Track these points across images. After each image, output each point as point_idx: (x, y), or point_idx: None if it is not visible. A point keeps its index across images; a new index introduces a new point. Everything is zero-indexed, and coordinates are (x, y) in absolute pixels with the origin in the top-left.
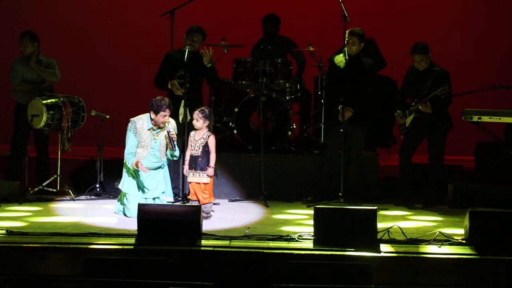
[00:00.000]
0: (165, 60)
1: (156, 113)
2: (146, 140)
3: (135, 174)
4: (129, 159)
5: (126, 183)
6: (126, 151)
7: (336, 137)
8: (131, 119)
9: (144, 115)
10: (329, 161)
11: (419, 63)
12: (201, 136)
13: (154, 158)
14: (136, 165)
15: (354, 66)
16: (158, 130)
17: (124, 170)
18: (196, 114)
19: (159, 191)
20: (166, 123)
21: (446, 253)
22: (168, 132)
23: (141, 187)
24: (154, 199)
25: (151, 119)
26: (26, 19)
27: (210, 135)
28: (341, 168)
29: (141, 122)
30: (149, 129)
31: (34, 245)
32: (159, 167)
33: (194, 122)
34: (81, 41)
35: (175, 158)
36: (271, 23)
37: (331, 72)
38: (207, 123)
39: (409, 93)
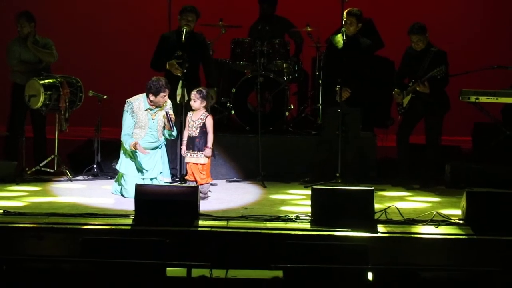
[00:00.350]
0: (160, 41)
1: (156, 95)
2: (143, 121)
3: (132, 155)
4: (127, 140)
5: (123, 164)
6: (123, 132)
7: (333, 118)
8: (127, 100)
9: (140, 95)
10: (327, 141)
11: (416, 44)
12: (199, 116)
13: (152, 138)
14: (135, 146)
15: (352, 47)
16: (156, 109)
17: (122, 151)
18: (194, 94)
19: (157, 171)
20: (164, 103)
21: (443, 233)
22: (166, 113)
23: (139, 168)
24: (151, 179)
25: (149, 100)
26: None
27: (207, 116)
28: (338, 148)
29: (138, 103)
30: (146, 110)
31: (31, 225)
32: (157, 147)
33: (192, 102)
34: (78, 21)
35: (172, 138)
36: (267, 3)
37: (329, 53)
38: (204, 103)
39: (406, 74)
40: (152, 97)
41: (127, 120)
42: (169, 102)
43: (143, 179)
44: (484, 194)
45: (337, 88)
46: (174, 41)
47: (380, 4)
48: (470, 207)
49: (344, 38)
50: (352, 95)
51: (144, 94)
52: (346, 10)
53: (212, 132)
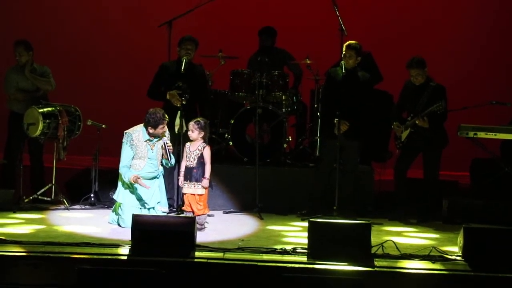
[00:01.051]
0: (160, 70)
1: (155, 127)
2: (143, 151)
3: (130, 186)
4: (125, 173)
5: (121, 194)
6: (121, 164)
7: (331, 150)
8: (125, 131)
9: (139, 126)
10: (324, 174)
11: (415, 78)
12: (196, 147)
13: (151, 168)
14: (135, 180)
15: (351, 80)
16: (155, 140)
17: (119, 181)
18: (192, 125)
19: (155, 201)
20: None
21: (440, 269)
22: (164, 144)
23: (138, 198)
24: (149, 209)
25: (148, 132)
26: (20, 27)
27: (205, 146)
28: (336, 181)
29: (137, 134)
30: (145, 141)
31: (28, 254)
32: (155, 177)
33: (190, 133)
34: (77, 49)
35: (170, 166)
36: (267, 35)
37: (327, 85)
38: (202, 134)
39: (405, 108)
40: (151, 130)
41: (126, 152)
42: (167, 132)
43: (141, 208)
44: (481, 230)
45: (335, 121)
46: (174, 71)
47: (379, 38)
48: (467, 243)
49: (343, 71)
50: (351, 128)
51: (142, 125)
52: (346, 43)
53: (209, 163)
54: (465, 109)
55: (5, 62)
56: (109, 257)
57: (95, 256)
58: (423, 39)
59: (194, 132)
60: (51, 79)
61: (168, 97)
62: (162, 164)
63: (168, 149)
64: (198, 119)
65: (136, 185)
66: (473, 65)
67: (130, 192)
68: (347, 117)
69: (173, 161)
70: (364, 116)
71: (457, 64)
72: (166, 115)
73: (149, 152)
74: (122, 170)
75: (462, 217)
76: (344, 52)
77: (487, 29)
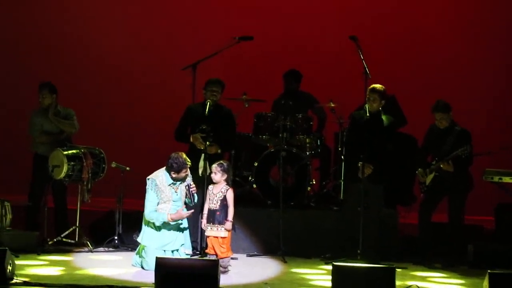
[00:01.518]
0: (186, 113)
1: (178, 172)
2: (167, 195)
3: (155, 228)
4: (157, 217)
5: (145, 236)
6: (147, 210)
7: (355, 194)
8: (148, 177)
9: (160, 171)
10: (349, 217)
11: (440, 122)
12: (219, 189)
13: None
14: (176, 217)
15: (375, 123)
16: (178, 183)
17: (144, 224)
18: (215, 167)
19: (179, 243)
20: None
21: None
22: (188, 185)
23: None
24: (173, 251)
25: (171, 176)
26: (44, 69)
27: (228, 189)
28: (360, 225)
29: (161, 179)
30: (169, 184)
31: None
32: (180, 224)
33: (212, 175)
34: (102, 91)
35: (193, 205)
36: (292, 78)
37: (351, 129)
38: (225, 176)
39: (430, 151)
40: (174, 175)
41: (151, 197)
42: (188, 173)
43: (165, 251)
44: (507, 275)
45: (359, 164)
46: (200, 113)
47: (403, 81)
48: None
49: (367, 114)
50: (375, 172)
51: (163, 169)
52: (370, 87)
53: (232, 205)
54: (490, 154)
55: (30, 104)
56: None
57: None
58: (447, 82)
59: (217, 174)
60: (74, 122)
61: (191, 140)
62: (185, 203)
63: (191, 191)
64: (221, 161)
65: (162, 225)
66: (499, 109)
67: (155, 232)
68: (371, 161)
69: (195, 199)
70: (388, 160)
71: (482, 108)
72: (188, 159)
73: (174, 195)
74: (151, 215)
75: (487, 262)
76: (368, 96)
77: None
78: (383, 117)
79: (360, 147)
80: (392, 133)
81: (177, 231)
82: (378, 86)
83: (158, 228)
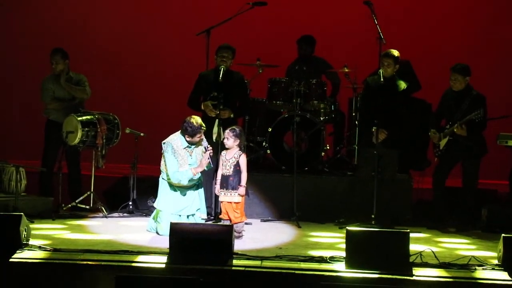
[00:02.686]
0: (198, 80)
1: (192, 136)
2: (183, 159)
3: (172, 191)
4: (182, 175)
5: (161, 201)
6: (171, 172)
7: (369, 159)
8: (164, 141)
9: (175, 135)
10: (362, 182)
11: (454, 82)
12: (232, 155)
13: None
14: (196, 171)
15: (389, 88)
16: (193, 146)
17: (161, 188)
18: (227, 133)
19: (195, 208)
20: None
21: (480, 278)
22: (206, 148)
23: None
24: (188, 216)
25: (186, 140)
26: (55, 36)
27: (241, 154)
28: (374, 190)
29: (176, 142)
30: (184, 148)
31: (66, 262)
32: (196, 184)
33: (225, 141)
34: (115, 58)
35: (209, 169)
36: (306, 44)
37: (365, 94)
38: (237, 142)
39: (444, 115)
40: (188, 138)
41: (171, 160)
42: (203, 138)
43: (180, 215)
44: None
45: (373, 130)
46: (212, 79)
47: (418, 46)
48: (507, 252)
49: (382, 79)
50: (389, 137)
51: (179, 133)
52: (384, 52)
53: (245, 171)
54: (504, 117)
55: (41, 71)
56: (147, 265)
57: (133, 264)
58: (463, 47)
59: (230, 140)
60: (86, 88)
61: (202, 107)
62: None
63: (209, 153)
64: (234, 127)
65: (178, 190)
66: None
67: (171, 198)
68: (385, 126)
69: (214, 164)
70: (403, 125)
71: (498, 72)
72: (203, 124)
73: (189, 158)
74: (176, 175)
75: (501, 226)
76: (382, 61)
77: None
78: (398, 82)
79: (374, 113)
80: (406, 98)
81: (193, 193)
82: (392, 51)
83: (174, 192)
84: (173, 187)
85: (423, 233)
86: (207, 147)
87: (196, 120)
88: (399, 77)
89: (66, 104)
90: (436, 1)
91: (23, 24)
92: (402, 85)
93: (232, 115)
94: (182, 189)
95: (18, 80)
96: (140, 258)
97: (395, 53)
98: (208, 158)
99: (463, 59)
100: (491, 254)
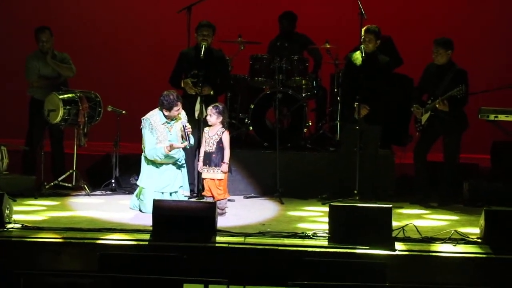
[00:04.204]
0: (180, 58)
1: (169, 109)
2: (162, 134)
3: (155, 167)
4: (156, 151)
5: (144, 178)
6: (148, 148)
7: (351, 134)
8: (143, 118)
9: (154, 111)
10: (345, 158)
11: (436, 55)
12: (215, 132)
13: (173, 150)
14: (170, 148)
15: (370, 64)
16: (172, 122)
17: (143, 166)
18: (210, 109)
19: (177, 185)
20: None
21: (461, 252)
22: (183, 126)
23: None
24: (171, 193)
25: (164, 115)
26: (37, 14)
27: (224, 131)
28: (356, 165)
29: (154, 118)
30: (163, 124)
31: (49, 240)
32: (177, 160)
33: (208, 117)
34: (96, 35)
35: (190, 147)
36: (287, 20)
37: (347, 70)
38: (220, 118)
39: (425, 90)
40: (166, 112)
41: (148, 137)
42: (183, 114)
43: (163, 193)
44: (502, 212)
45: (355, 105)
46: (193, 57)
47: (399, 21)
48: (488, 226)
49: (363, 55)
50: (371, 112)
51: (158, 109)
52: (365, 27)
53: (228, 148)
54: (485, 92)
55: (22, 49)
56: (131, 242)
57: (116, 242)
58: (444, 22)
59: (212, 117)
60: (72, 65)
61: (182, 85)
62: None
63: (186, 131)
64: (216, 104)
65: (161, 168)
66: (497, 48)
67: (153, 175)
68: (367, 101)
69: (192, 141)
70: (384, 100)
71: (480, 47)
72: (179, 97)
73: (168, 134)
74: (151, 151)
75: (483, 200)
76: (363, 36)
77: (510, 13)
78: (379, 58)
79: (356, 88)
80: (388, 73)
81: (176, 170)
82: (373, 26)
83: (157, 169)
84: (155, 164)
85: (405, 208)
86: (185, 126)
87: (172, 93)
88: (381, 52)
89: (51, 82)
90: None
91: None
92: (384, 60)
93: (212, 92)
94: (165, 166)
95: (0, 58)
96: (123, 235)
97: (376, 28)
98: (187, 137)
99: (445, 34)
100: (473, 228)
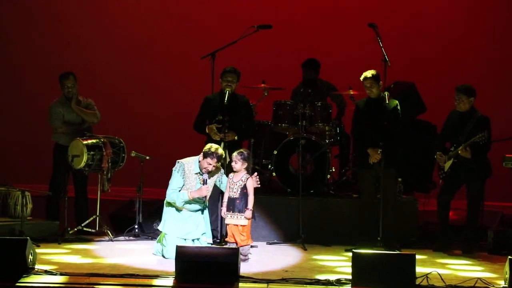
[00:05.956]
0: (204, 103)
1: (204, 157)
2: (191, 183)
3: (177, 213)
4: (178, 196)
5: (166, 224)
6: (170, 190)
7: (367, 180)
8: (178, 160)
9: (192, 158)
10: (367, 204)
11: (458, 102)
12: (240, 178)
13: (199, 200)
14: (193, 196)
15: (377, 106)
16: (205, 175)
17: (165, 211)
18: (235, 156)
19: (200, 232)
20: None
21: None
22: (204, 181)
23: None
24: (193, 240)
25: (199, 162)
26: (60, 59)
27: (248, 177)
28: (380, 212)
29: (189, 165)
30: (196, 173)
31: (73, 285)
32: (201, 209)
33: (233, 164)
34: (120, 81)
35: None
36: (311, 67)
37: (355, 116)
38: (245, 165)
39: (448, 137)
40: (201, 158)
41: (176, 180)
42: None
43: (185, 239)
44: None
45: (368, 151)
46: (217, 103)
47: (423, 68)
48: None
49: (368, 100)
50: (386, 156)
51: (195, 158)
52: (361, 77)
53: (252, 194)
54: (510, 139)
55: (47, 94)
56: None
57: (139, 287)
58: (468, 69)
59: (238, 163)
60: (96, 111)
61: (207, 131)
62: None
63: (205, 188)
64: (241, 150)
65: (181, 213)
66: None
67: (175, 221)
68: (378, 145)
69: (206, 203)
70: (398, 143)
71: (503, 94)
72: (223, 154)
73: (198, 185)
74: (172, 194)
75: (508, 248)
76: (364, 85)
77: None
78: (387, 101)
79: (366, 133)
80: (398, 115)
81: (199, 217)
82: (367, 73)
83: (180, 214)
84: (178, 210)
85: (429, 256)
86: (205, 180)
87: (218, 150)
88: (404, 99)
89: (75, 128)
90: (441, 23)
91: (27, 48)
92: (392, 103)
93: (236, 137)
94: (187, 212)
95: (25, 104)
96: (146, 281)
97: (371, 73)
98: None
99: (469, 81)
100: (498, 277)
